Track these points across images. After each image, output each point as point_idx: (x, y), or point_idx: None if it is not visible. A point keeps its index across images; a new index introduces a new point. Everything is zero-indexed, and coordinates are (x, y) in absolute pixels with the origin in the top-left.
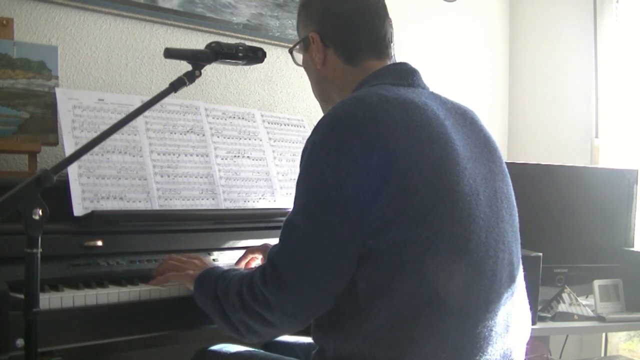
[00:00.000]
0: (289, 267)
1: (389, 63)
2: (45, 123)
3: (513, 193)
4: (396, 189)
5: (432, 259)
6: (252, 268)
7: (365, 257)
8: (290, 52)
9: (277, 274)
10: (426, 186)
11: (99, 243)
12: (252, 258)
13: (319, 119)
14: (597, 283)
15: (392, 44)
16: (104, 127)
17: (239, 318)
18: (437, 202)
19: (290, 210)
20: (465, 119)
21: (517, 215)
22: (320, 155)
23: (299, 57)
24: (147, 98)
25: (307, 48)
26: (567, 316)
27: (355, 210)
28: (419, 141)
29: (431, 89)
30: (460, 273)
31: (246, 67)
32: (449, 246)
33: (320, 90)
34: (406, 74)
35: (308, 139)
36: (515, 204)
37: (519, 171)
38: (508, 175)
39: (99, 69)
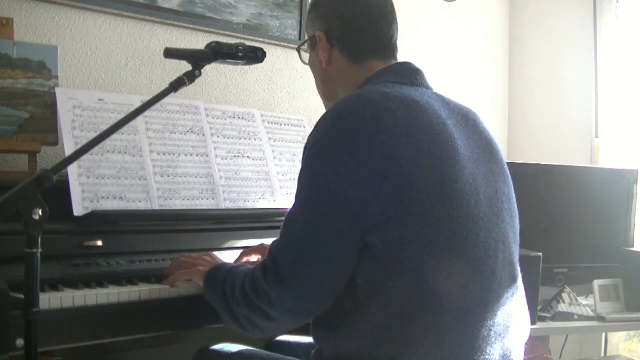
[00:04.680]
0: (289, 263)
1: (393, 62)
2: (45, 123)
3: (514, 195)
4: (395, 185)
5: (430, 257)
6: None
7: (362, 253)
8: (298, 50)
9: (278, 269)
10: (425, 184)
11: (99, 243)
12: (247, 260)
13: (319, 118)
14: (597, 283)
15: (397, 48)
16: (104, 127)
17: (242, 313)
18: (435, 201)
19: (292, 205)
20: (468, 120)
21: (517, 216)
22: (321, 151)
23: (306, 56)
24: (147, 98)
25: (314, 47)
26: (567, 316)
27: (354, 205)
28: (419, 139)
29: (433, 89)
30: (458, 272)
31: (246, 67)
32: (447, 245)
33: (325, 88)
34: (409, 73)
35: (310, 134)
36: (516, 205)
37: (519, 171)
38: (509, 177)
39: (99, 69)
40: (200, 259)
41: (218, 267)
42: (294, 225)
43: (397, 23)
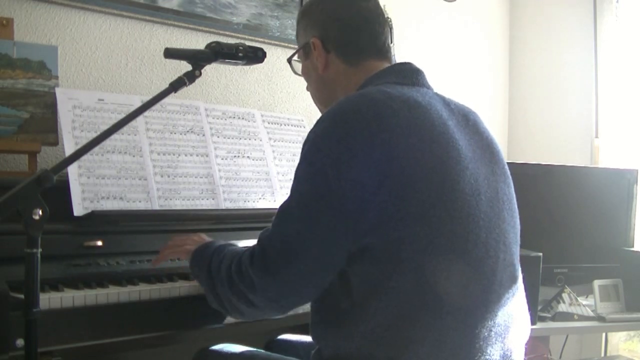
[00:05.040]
0: (277, 253)
1: (388, 65)
2: (45, 123)
3: (514, 195)
4: (395, 185)
5: (430, 257)
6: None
7: (359, 253)
8: (289, 61)
9: (265, 258)
10: (426, 184)
11: (99, 243)
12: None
13: (319, 117)
14: (597, 283)
15: (391, 49)
16: (104, 127)
17: (226, 295)
18: (436, 201)
19: (287, 198)
20: (468, 120)
21: (518, 217)
22: (321, 148)
23: (298, 66)
24: (147, 98)
25: (307, 55)
26: (567, 316)
27: (353, 205)
28: (421, 139)
29: (434, 90)
30: (459, 272)
31: (246, 67)
32: (448, 245)
33: (321, 95)
34: (410, 74)
35: (311, 130)
36: (516, 206)
37: (519, 171)
38: (510, 177)
39: (99, 69)
40: (188, 238)
41: (206, 245)
42: (287, 217)
43: (389, 27)
